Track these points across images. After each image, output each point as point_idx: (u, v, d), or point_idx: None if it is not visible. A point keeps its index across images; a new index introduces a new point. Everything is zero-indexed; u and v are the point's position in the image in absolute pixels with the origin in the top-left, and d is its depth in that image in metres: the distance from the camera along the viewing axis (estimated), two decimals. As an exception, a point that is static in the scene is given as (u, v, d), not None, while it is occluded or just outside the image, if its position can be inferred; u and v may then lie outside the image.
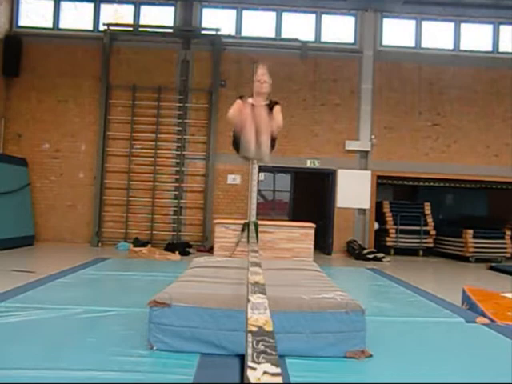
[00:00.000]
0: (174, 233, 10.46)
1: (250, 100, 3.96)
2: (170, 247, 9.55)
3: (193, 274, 3.51)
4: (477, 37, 11.16)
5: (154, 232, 10.41)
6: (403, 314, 4.04)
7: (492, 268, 9.06)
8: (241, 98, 4.08)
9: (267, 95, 4.05)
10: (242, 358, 2.65)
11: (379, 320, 3.59)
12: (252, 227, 6.03)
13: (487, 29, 11.20)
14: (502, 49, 11.12)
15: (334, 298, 2.94)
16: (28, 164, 10.27)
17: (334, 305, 2.84)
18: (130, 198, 10.45)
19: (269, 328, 0.90)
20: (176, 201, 10.55)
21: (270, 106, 3.92)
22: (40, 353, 2.66)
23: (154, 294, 2.93)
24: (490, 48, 11.14)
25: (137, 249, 8.55)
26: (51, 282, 4.72)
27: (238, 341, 2.59)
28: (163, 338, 2.71)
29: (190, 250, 9.69)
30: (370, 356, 2.81)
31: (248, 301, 1.15)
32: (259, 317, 0.97)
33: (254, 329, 0.89)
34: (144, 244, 9.57)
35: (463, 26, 11.15)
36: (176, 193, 10.58)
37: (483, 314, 4.05)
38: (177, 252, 8.94)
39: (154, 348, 2.73)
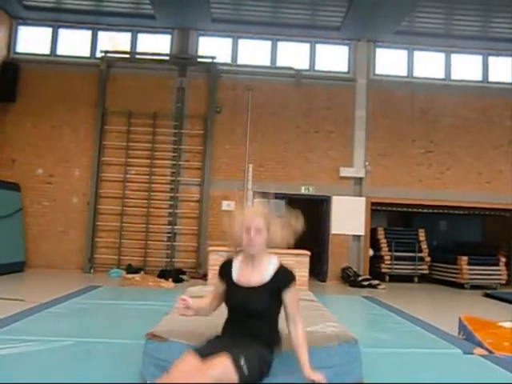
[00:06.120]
0: (168, 259, 10.35)
1: (235, 269, 2.58)
2: (164, 274, 9.43)
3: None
4: (467, 67, 11.43)
5: (148, 258, 10.30)
6: (400, 345, 3.97)
7: (487, 295, 9.01)
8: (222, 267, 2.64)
9: (268, 254, 2.59)
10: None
11: (376, 351, 3.53)
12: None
13: (477, 59, 11.48)
14: (491, 79, 11.38)
15: (324, 331, 2.87)
16: (21, 189, 10.20)
17: (326, 338, 2.78)
18: (124, 224, 10.37)
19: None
20: (170, 227, 10.48)
21: (277, 283, 2.49)
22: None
23: (147, 325, 2.87)
24: (479, 78, 11.39)
25: (130, 276, 8.44)
26: (41, 311, 4.61)
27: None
28: (158, 372, 2.62)
29: (184, 277, 9.58)
30: (368, 389, 2.75)
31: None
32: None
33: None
34: (137, 271, 9.47)
35: (454, 56, 11.43)
36: (170, 219, 10.53)
37: (480, 345, 3.99)
38: (170, 279, 8.83)
39: (148, 382, 2.65)
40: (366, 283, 9.79)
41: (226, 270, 2.66)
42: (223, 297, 2.65)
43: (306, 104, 10.94)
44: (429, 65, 11.40)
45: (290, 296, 2.50)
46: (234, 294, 2.56)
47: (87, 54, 11.02)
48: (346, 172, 10.74)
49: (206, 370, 2.18)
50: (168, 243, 10.45)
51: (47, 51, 11.01)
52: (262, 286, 2.51)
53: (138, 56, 10.99)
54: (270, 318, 2.55)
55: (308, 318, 3.21)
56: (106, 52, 10.74)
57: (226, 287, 2.62)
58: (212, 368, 2.19)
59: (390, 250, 11.20)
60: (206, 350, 2.32)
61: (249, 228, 2.50)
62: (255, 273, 2.56)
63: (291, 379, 2.53)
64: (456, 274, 10.56)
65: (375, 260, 11.15)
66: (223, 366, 2.21)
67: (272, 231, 2.57)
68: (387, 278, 10.96)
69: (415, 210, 11.60)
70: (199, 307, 2.65)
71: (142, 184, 10.51)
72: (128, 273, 9.06)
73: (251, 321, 2.48)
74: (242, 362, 2.26)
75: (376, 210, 11.19)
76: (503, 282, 10.58)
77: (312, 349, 2.69)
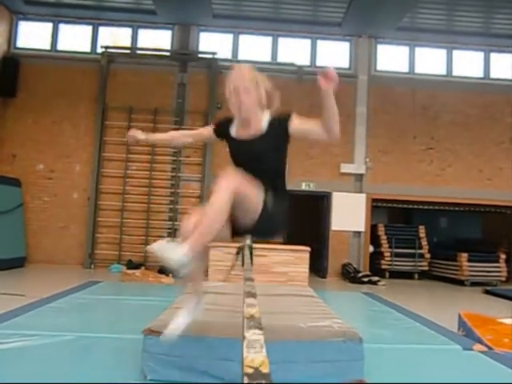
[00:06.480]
0: (168, 255, 10.35)
1: (233, 130, 2.51)
2: (164, 269, 9.43)
3: (187, 300, 3.44)
4: (469, 63, 11.39)
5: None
6: (400, 341, 3.99)
7: (487, 292, 9.02)
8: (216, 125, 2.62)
9: (263, 110, 2.43)
10: (237, 388, 2.58)
11: (376, 347, 3.53)
12: (247, 251, 5.93)
13: (478, 56, 11.43)
14: (492, 75, 11.34)
15: (331, 326, 2.89)
16: (21, 184, 10.20)
17: (331, 333, 2.79)
18: (124, 220, 10.37)
19: (265, 370, 0.86)
20: (170, 223, 10.48)
21: (279, 127, 2.36)
22: None
23: (147, 320, 2.88)
24: (481, 74, 11.36)
25: (130, 271, 8.45)
26: (41, 306, 4.63)
27: (235, 371, 2.53)
28: (157, 367, 2.63)
29: (184, 273, 9.57)
30: (368, 386, 2.76)
31: (243, 338, 1.09)
32: (255, 356, 0.93)
33: (250, 370, 0.85)
34: (137, 266, 9.47)
35: (455, 52, 11.38)
36: (170, 214, 10.53)
37: (480, 341, 4.00)
38: (170, 275, 8.83)
39: (148, 378, 2.65)
40: (366, 279, 9.80)
41: (223, 128, 2.57)
42: (202, 139, 2.91)
43: (308, 100, 10.88)
44: (430, 61, 11.36)
45: (296, 122, 2.36)
46: (237, 148, 2.48)
47: (88, 49, 10.98)
48: (346, 168, 10.73)
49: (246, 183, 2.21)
50: (169, 239, 10.45)
51: (48, 46, 10.97)
52: (263, 134, 2.39)
53: (138, 51, 10.95)
54: (278, 163, 2.46)
55: (313, 314, 3.23)
56: (107, 47, 10.70)
57: (227, 146, 2.54)
58: (252, 186, 2.22)
59: (390, 247, 11.21)
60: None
61: (237, 88, 2.34)
62: (252, 127, 2.42)
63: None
64: (456, 270, 10.57)
65: (375, 256, 11.15)
66: (257, 194, 2.25)
67: (261, 91, 2.39)
68: (387, 274, 10.97)
69: (416, 206, 11.60)
70: (156, 137, 3.05)
71: (142, 180, 10.51)
72: (128, 268, 9.06)
73: (263, 171, 2.37)
74: (270, 202, 2.29)
75: (376, 207, 11.18)
76: (503, 278, 10.58)
77: (317, 342, 2.70)
